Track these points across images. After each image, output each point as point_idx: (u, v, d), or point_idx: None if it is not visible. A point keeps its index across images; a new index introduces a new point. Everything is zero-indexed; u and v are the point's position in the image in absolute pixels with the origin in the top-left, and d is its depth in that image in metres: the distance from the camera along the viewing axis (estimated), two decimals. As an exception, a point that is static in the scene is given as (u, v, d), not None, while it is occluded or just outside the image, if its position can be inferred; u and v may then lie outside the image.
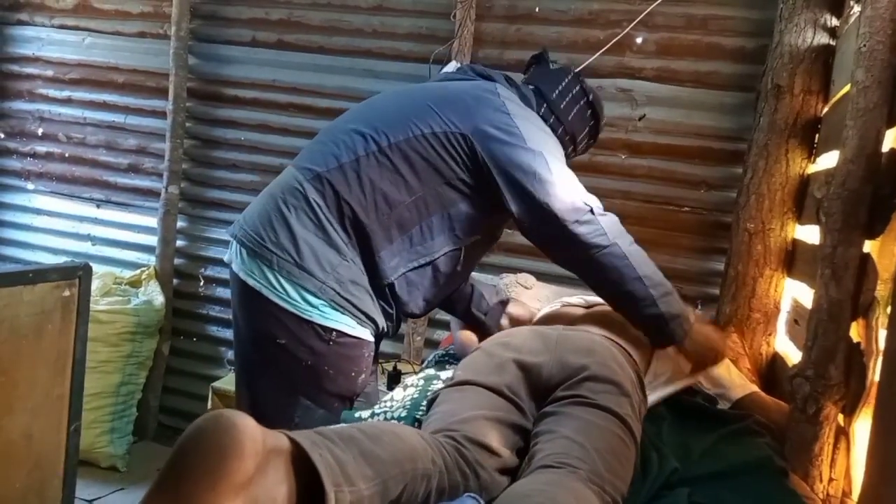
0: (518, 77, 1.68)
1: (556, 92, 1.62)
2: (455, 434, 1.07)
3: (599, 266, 1.40)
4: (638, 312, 1.42)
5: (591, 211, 1.40)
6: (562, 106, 1.62)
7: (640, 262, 1.41)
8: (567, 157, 1.59)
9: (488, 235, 1.62)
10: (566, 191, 1.40)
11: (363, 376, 1.49)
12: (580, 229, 1.39)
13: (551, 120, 1.60)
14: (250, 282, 1.40)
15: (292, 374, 1.43)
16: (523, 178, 1.40)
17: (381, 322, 1.47)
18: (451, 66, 2.25)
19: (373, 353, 1.52)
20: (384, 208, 1.42)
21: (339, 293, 1.39)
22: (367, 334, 1.46)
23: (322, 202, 1.41)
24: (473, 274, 1.76)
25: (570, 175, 1.45)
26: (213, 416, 0.73)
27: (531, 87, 1.63)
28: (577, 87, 1.65)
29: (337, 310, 1.40)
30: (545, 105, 1.61)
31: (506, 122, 1.44)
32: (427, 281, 1.50)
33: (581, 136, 1.67)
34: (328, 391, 1.44)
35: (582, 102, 1.64)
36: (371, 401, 1.58)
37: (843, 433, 1.23)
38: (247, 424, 0.72)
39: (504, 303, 1.77)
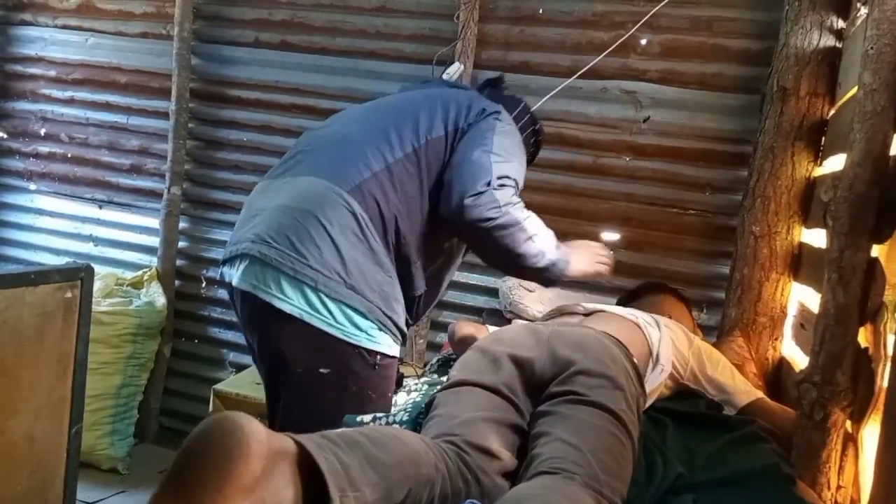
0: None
1: (513, 116, 1.66)
2: (456, 439, 1.07)
3: (494, 237, 1.41)
4: (530, 266, 1.47)
5: (488, 184, 1.40)
6: None
7: (531, 223, 1.45)
8: None
9: None
10: (477, 173, 1.42)
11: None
12: (472, 201, 1.39)
13: None
14: (287, 308, 1.31)
15: (334, 403, 1.36)
16: (455, 166, 1.44)
17: (405, 334, 1.48)
18: (454, 68, 2.25)
19: None
20: (416, 217, 1.42)
21: (384, 312, 1.37)
22: (399, 351, 1.45)
23: (366, 215, 1.37)
24: None
25: (493, 161, 1.44)
26: (218, 418, 0.73)
27: None
28: (528, 116, 1.72)
29: (382, 330, 1.38)
30: None
31: (487, 116, 1.50)
32: (440, 283, 1.52)
33: None
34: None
35: (529, 130, 1.72)
36: None
37: (851, 440, 1.22)
38: (252, 427, 0.72)
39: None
